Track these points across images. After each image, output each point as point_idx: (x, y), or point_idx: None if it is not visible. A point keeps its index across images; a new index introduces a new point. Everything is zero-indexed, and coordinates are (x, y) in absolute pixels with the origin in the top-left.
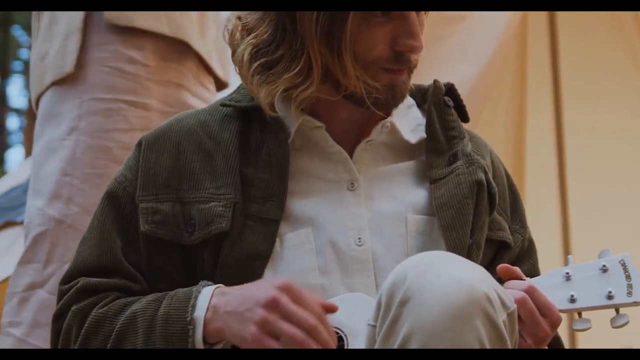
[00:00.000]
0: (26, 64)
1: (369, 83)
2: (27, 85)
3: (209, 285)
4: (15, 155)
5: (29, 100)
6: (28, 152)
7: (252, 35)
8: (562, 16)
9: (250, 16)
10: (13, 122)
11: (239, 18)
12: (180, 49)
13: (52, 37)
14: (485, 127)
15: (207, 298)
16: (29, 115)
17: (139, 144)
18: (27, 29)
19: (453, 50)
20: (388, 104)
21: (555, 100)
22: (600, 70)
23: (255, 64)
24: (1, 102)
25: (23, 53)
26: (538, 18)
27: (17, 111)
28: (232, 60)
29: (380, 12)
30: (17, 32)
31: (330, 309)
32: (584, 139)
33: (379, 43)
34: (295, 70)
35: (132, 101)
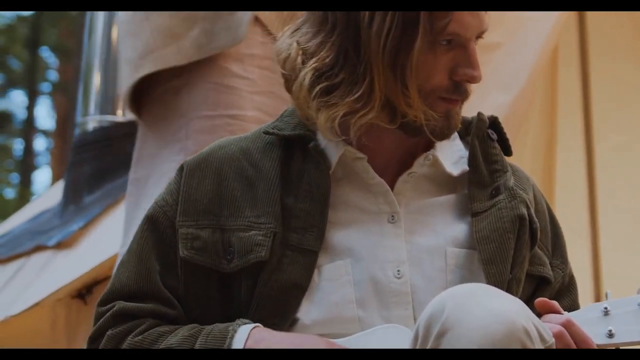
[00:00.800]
0: (54, 85)
1: (427, 112)
2: (54, 107)
3: (245, 324)
4: (42, 176)
5: (56, 122)
6: (55, 174)
7: (313, 60)
8: (594, 43)
9: (310, 41)
10: (40, 144)
11: (298, 43)
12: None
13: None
14: (514, 156)
15: (243, 339)
16: (57, 136)
17: (181, 168)
18: (55, 50)
19: (487, 78)
20: (443, 134)
21: (585, 128)
22: (632, 98)
23: (317, 88)
24: (29, 123)
25: (51, 74)
26: (569, 45)
27: (45, 133)
28: (287, 85)
29: (445, 40)
30: (45, 53)
31: None
32: (615, 167)
33: (439, 72)
34: (356, 95)
35: (236, 115)
